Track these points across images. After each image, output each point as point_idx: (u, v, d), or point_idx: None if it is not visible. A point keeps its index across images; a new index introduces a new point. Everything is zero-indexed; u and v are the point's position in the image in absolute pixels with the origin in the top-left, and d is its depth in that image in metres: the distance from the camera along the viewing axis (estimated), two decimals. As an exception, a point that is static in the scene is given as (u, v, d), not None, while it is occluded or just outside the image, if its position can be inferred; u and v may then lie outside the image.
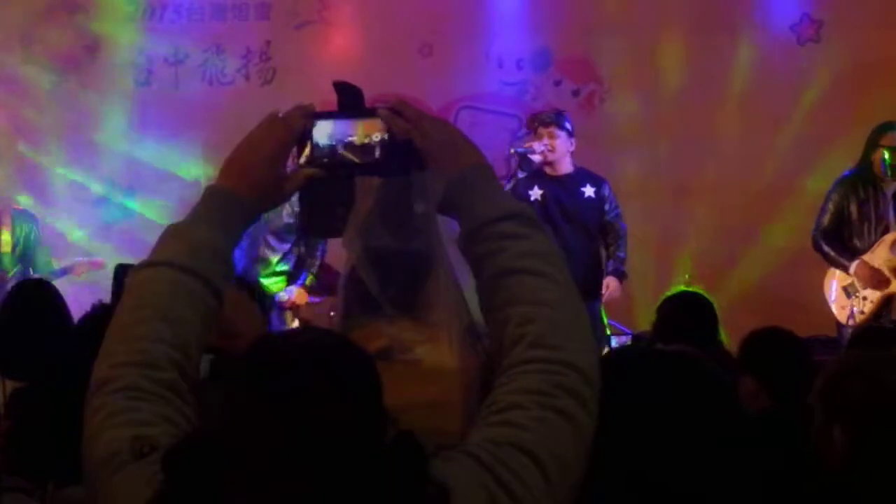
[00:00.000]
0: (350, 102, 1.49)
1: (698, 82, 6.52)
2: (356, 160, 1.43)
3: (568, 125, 5.44)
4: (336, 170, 1.43)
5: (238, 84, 6.76)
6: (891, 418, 1.88)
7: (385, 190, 1.57)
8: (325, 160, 1.42)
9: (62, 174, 6.80)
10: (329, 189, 1.49)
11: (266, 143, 1.39)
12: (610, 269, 5.55)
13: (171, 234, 1.37)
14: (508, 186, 5.37)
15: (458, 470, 1.14)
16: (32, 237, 5.70)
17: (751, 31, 6.54)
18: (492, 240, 1.31)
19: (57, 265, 5.84)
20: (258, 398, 1.10)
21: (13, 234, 5.67)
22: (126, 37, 6.81)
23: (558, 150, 5.34)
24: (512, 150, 5.51)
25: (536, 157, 5.41)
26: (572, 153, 5.46)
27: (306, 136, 1.42)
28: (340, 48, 6.74)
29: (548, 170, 5.40)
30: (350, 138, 1.43)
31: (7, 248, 5.67)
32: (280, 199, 1.42)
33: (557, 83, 6.75)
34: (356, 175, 1.48)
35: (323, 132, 1.43)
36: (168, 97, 6.68)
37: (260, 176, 1.38)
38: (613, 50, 6.65)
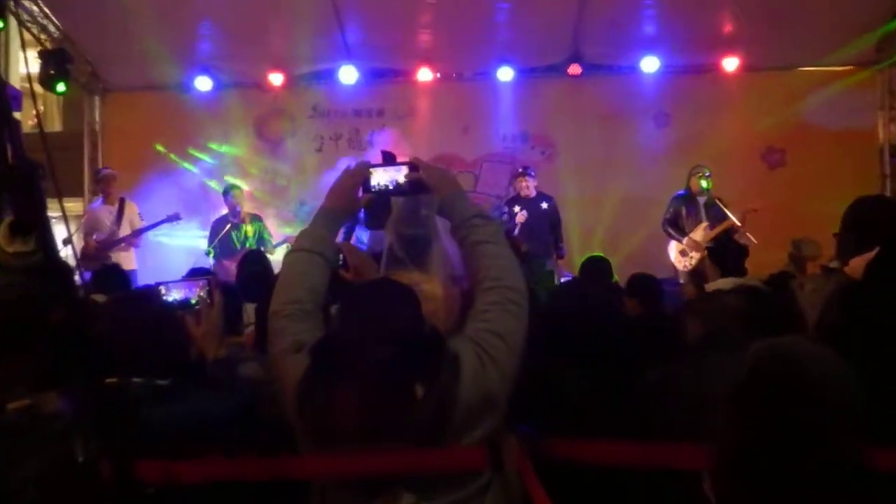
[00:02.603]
0: (388, 159, 2.02)
1: (605, 146, 8.91)
2: (391, 189, 1.90)
3: (532, 173, 8.01)
4: (382, 194, 1.89)
5: (367, 149, 9.18)
6: (715, 316, 2.55)
7: (407, 203, 2.05)
8: (376, 190, 1.87)
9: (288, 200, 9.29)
10: (379, 204, 1.95)
11: (346, 183, 1.89)
12: (556, 255, 7.74)
13: (303, 233, 1.86)
14: (504, 202, 8.00)
15: (461, 345, 1.54)
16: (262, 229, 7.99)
17: (633, 120, 9.09)
18: (467, 227, 1.75)
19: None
20: (358, 307, 1.51)
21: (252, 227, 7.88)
22: (307, 127, 9.49)
23: (530, 187, 7.96)
24: (506, 196, 7.96)
25: (523, 194, 7.93)
26: (535, 186, 7.99)
27: (366, 178, 1.87)
28: (420, 129, 9.20)
29: (522, 194, 8.02)
30: (389, 178, 1.90)
31: (250, 235, 7.83)
32: (356, 211, 1.89)
33: (532, 147, 9.33)
34: (392, 196, 1.96)
35: (375, 176, 1.89)
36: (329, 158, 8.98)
37: (344, 199, 1.87)
38: (559, 132, 9.19)
